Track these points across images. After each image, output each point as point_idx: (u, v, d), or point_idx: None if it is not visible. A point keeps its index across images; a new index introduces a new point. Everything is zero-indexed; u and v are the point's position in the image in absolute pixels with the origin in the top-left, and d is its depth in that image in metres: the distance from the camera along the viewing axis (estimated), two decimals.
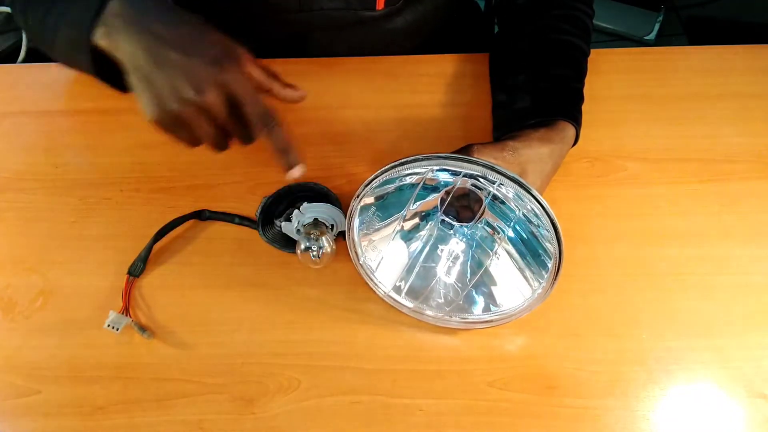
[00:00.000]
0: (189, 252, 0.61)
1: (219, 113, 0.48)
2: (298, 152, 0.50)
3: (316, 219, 0.56)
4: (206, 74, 0.47)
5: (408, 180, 0.52)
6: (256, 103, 0.48)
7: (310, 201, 0.57)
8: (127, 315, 0.56)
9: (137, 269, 0.59)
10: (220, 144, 0.51)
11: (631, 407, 0.53)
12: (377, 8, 0.70)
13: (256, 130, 0.49)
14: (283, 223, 0.58)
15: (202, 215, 0.62)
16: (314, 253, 0.55)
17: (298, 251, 0.56)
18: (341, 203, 0.60)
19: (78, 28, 0.51)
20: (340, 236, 0.58)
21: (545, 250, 0.49)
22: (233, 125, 0.49)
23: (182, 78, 0.46)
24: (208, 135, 0.49)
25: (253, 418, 0.53)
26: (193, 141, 0.50)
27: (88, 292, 0.58)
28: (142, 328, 0.56)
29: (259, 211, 0.60)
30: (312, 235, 0.55)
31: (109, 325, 0.55)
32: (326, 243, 0.55)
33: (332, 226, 0.57)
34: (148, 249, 0.59)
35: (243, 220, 0.62)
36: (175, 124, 0.48)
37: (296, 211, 0.56)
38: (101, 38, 0.50)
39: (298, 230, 0.57)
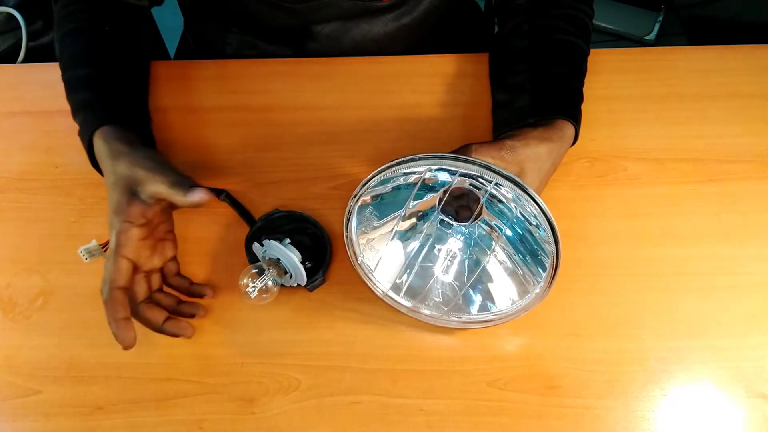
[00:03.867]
0: (186, 251, 0.61)
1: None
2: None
3: (279, 259, 0.54)
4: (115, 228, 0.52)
5: (406, 179, 0.52)
6: (112, 267, 0.51)
7: (300, 234, 0.55)
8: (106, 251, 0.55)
9: None
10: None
11: (631, 407, 0.53)
12: None
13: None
14: (254, 243, 0.56)
15: (220, 194, 0.58)
16: (250, 287, 0.53)
17: (241, 280, 0.54)
18: (330, 252, 0.58)
19: (82, 138, 0.59)
20: (303, 287, 0.56)
21: (543, 250, 0.49)
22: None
23: None
24: None
25: (253, 418, 0.53)
26: None
27: (87, 292, 0.58)
28: None
29: (256, 226, 0.59)
30: (265, 271, 0.54)
31: (81, 252, 0.55)
32: (270, 284, 0.53)
33: (291, 275, 0.55)
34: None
35: (248, 217, 0.60)
36: None
37: (266, 241, 0.55)
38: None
39: (263, 257, 0.55)
